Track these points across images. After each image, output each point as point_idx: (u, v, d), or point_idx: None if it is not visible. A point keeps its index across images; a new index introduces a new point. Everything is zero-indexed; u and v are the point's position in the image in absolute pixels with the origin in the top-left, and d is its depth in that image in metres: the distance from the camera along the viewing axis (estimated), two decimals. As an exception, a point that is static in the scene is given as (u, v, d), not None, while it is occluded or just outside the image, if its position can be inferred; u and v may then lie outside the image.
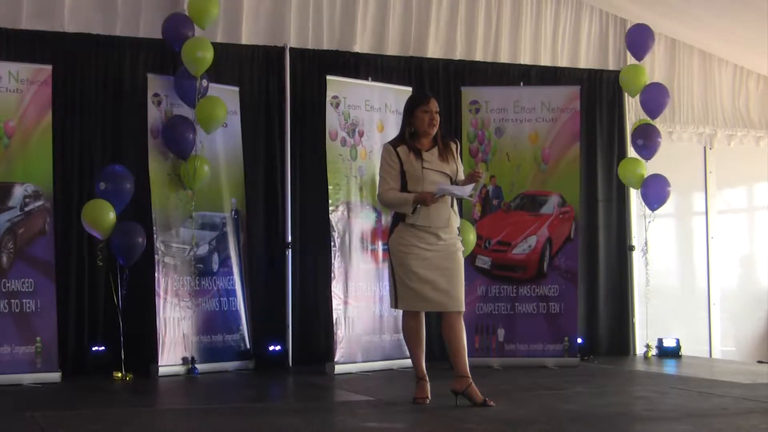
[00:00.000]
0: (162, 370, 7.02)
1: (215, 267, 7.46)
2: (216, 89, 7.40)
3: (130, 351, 7.00)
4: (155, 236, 7.12)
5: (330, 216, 7.41)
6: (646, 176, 8.25)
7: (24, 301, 6.71)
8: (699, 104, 9.69)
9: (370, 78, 7.97)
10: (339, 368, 7.25)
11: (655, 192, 8.25)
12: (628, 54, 8.56)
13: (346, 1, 8.36)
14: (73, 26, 7.53)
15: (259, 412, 5.62)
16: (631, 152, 8.59)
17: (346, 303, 7.41)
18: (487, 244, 7.86)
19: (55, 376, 6.73)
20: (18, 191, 6.80)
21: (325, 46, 8.26)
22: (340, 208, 7.48)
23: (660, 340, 8.62)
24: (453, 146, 5.77)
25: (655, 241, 8.79)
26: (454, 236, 5.70)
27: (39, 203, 6.84)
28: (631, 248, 8.83)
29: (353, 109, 7.66)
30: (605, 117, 8.98)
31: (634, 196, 8.72)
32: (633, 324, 8.79)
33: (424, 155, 5.66)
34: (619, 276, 8.86)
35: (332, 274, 7.37)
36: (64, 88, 7.32)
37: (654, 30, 8.34)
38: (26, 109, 6.86)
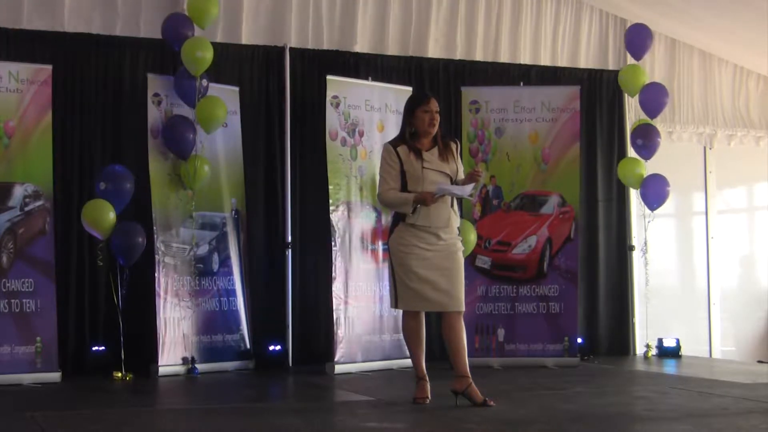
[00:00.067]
0: (162, 370, 7.02)
1: (215, 267, 7.46)
2: (216, 89, 7.40)
3: (130, 351, 7.00)
4: (155, 236, 7.12)
5: (330, 216, 7.41)
6: (645, 176, 8.25)
7: (24, 301, 6.71)
8: (699, 104, 9.69)
9: (370, 78, 7.97)
10: (339, 368, 7.25)
11: (655, 192, 8.24)
12: (628, 54, 8.56)
13: (346, 1, 8.36)
14: (73, 26, 7.54)
15: (259, 412, 5.62)
16: (631, 152, 8.58)
17: (346, 303, 7.41)
18: (487, 244, 7.86)
19: (55, 376, 6.73)
20: (18, 191, 6.80)
21: (325, 46, 8.26)
22: (341, 208, 7.48)
23: (660, 340, 8.62)
24: (453, 146, 5.77)
25: (656, 241, 8.79)
26: (455, 236, 5.70)
27: (39, 203, 6.84)
28: (631, 248, 8.83)
29: (353, 109, 7.66)
30: (605, 117, 8.98)
31: (634, 196, 8.72)
32: (633, 324, 8.79)
33: (425, 155, 5.66)
34: (619, 276, 8.86)
35: (333, 274, 7.36)
36: (64, 88, 7.32)
37: (654, 30, 8.35)
38: (26, 109, 6.86)
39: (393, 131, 7.18)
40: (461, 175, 5.73)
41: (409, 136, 5.71)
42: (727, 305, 9.67)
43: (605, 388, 6.66)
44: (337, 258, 7.40)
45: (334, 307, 7.34)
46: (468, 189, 5.62)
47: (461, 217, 5.99)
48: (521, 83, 8.40)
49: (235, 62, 7.92)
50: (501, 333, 7.83)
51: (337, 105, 7.58)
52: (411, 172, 5.63)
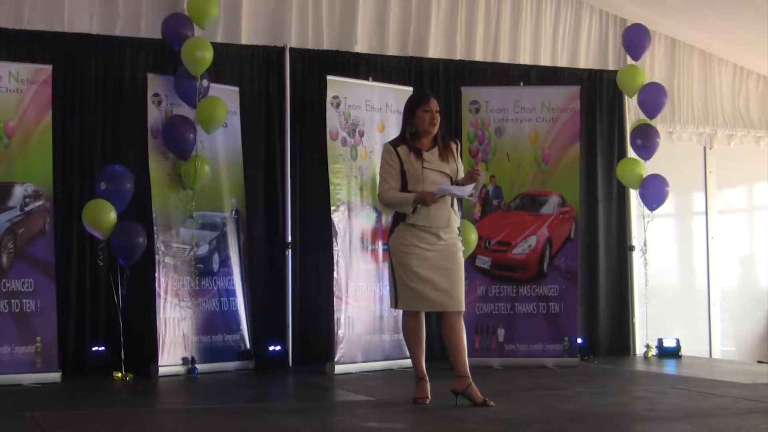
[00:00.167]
0: (162, 370, 7.02)
1: (215, 267, 7.46)
2: (216, 89, 7.40)
3: (130, 351, 7.00)
4: (155, 236, 7.12)
5: (332, 216, 7.41)
6: (644, 176, 8.25)
7: (24, 301, 6.71)
8: (699, 104, 9.69)
9: (370, 78, 7.97)
10: (339, 368, 7.25)
11: (654, 192, 8.24)
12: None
13: (346, 1, 8.36)
14: (73, 26, 7.54)
15: (259, 412, 5.62)
16: (631, 152, 8.58)
17: (346, 303, 7.40)
18: (487, 244, 7.86)
19: (55, 376, 6.73)
20: (18, 191, 6.80)
21: (325, 46, 8.26)
22: (341, 208, 7.48)
23: (660, 340, 8.62)
24: (453, 146, 5.77)
25: (656, 241, 8.79)
26: (455, 236, 5.70)
27: (39, 203, 6.84)
28: (631, 248, 8.83)
29: (353, 109, 7.66)
30: (605, 117, 8.98)
31: (634, 196, 8.72)
32: (633, 324, 8.79)
33: (425, 155, 5.66)
34: (619, 276, 8.86)
35: (334, 274, 7.36)
36: (64, 88, 7.32)
37: (654, 30, 8.35)
38: (26, 109, 6.86)
39: (393, 131, 7.18)
40: (461, 175, 5.73)
41: (409, 136, 5.71)
42: (727, 305, 9.67)
43: (605, 388, 6.66)
44: (338, 258, 7.40)
45: (334, 307, 7.34)
46: (468, 189, 5.62)
47: (461, 217, 5.99)
48: (521, 83, 8.40)
49: (235, 62, 7.92)
50: (501, 333, 7.83)
51: (338, 105, 7.58)
52: (411, 171, 5.63)
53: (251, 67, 7.99)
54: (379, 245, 7.60)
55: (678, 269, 9.70)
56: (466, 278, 5.82)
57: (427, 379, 5.75)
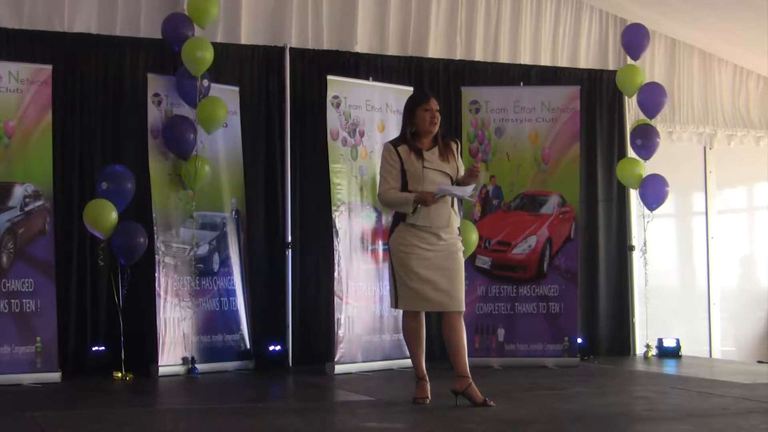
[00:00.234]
0: (162, 370, 7.02)
1: (215, 267, 7.46)
2: (216, 89, 7.40)
3: (130, 351, 7.00)
4: (155, 236, 7.12)
5: (333, 215, 7.41)
6: (644, 176, 8.25)
7: (24, 301, 6.71)
8: (699, 104, 9.69)
9: (371, 78, 7.97)
10: (339, 368, 7.25)
11: (654, 192, 8.24)
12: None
13: (346, 1, 8.36)
14: (73, 26, 7.54)
15: (259, 412, 5.62)
16: (631, 152, 8.58)
17: (346, 303, 7.40)
18: (487, 244, 7.86)
19: (55, 376, 6.73)
20: (18, 191, 6.79)
21: (325, 46, 8.26)
22: (341, 208, 7.48)
23: (660, 340, 8.62)
24: (453, 146, 5.77)
25: (656, 241, 8.79)
26: (455, 236, 5.70)
27: (39, 203, 6.84)
28: (631, 248, 8.83)
29: (354, 109, 7.66)
30: (605, 117, 8.98)
31: (634, 196, 8.71)
32: (633, 324, 8.79)
33: (425, 155, 5.66)
34: (619, 276, 8.86)
35: (335, 274, 7.36)
36: (64, 88, 7.32)
37: (654, 30, 8.34)
38: (26, 109, 6.86)
39: (393, 131, 7.18)
40: (462, 174, 5.72)
41: (410, 136, 5.71)
42: (727, 305, 9.67)
43: (605, 388, 6.66)
44: (338, 258, 7.40)
45: (334, 307, 7.34)
46: (468, 190, 5.62)
47: (461, 217, 5.99)
48: (521, 83, 8.40)
49: (235, 62, 7.92)
50: (501, 333, 7.83)
51: (338, 105, 7.58)
52: (412, 171, 5.63)
53: (251, 67, 7.99)
54: (380, 245, 7.60)
55: (678, 269, 9.70)
56: (466, 278, 5.82)
57: (427, 379, 5.75)
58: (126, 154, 7.46)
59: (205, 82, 7.24)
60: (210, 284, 7.41)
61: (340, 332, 7.33)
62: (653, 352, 8.55)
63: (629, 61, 8.56)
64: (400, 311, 6.03)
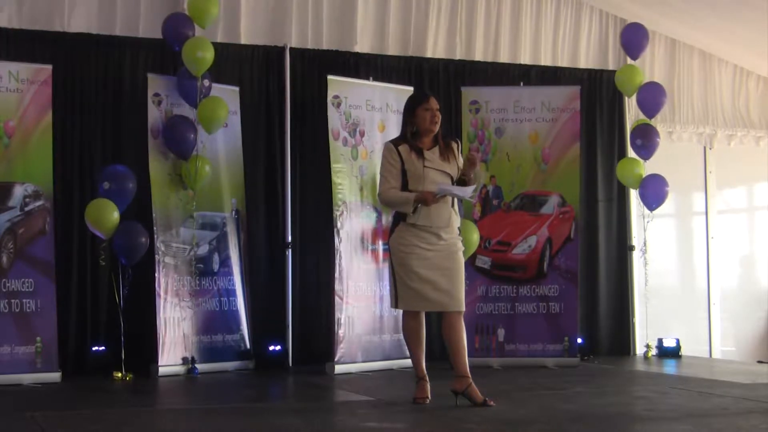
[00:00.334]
0: (162, 370, 7.02)
1: (215, 267, 7.46)
2: (216, 89, 7.40)
3: (130, 351, 7.00)
4: (156, 236, 7.12)
5: (334, 215, 7.41)
6: (644, 176, 8.25)
7: (24, 301, 6.71)
8: (699, 104, 9.69)
9: (371, 78, 7.97)
10: (339, 368, 7.25)
11: (654, 192, 8.24)
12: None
13: (346, 1, 8.36)
14: (73, 26, 7.54)
15: (259, 412, 5.62)
16: (632, 152, 8.58)
17: (346, 303, 7.40)
18: (487, 244, 7.86)
19: (55, 376, 6.73)
20: (18, 191, 6.80)
21: (325, 46, 8.26)
22: (341, 208, 7.48)
23: (660, 340, 8.62)
24: (454, 146, 5.77)
25: (656, 241, 8.79)
26: (455, 236, 5.70)
27: (39, 203, 6.84)
28: (631, 248, 8.83)
29: (354, 109, 7.67)
30: (605, 117, 8.98)
31: (634, 196, 8.71)
32: (633, 324, 8.79)
33: (426, 154, 5.66)
34: (619, 276, 8.86)
35: (336, 274, 7.36)
36: (64, 88, 7.32)
37: (654, 30, 8.35)
38: (26, 109, 6.86)
39: (394, 131, 7.18)
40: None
41: (410, 136, 5.71)
42: (727, 305, 9.67)
43: (605, 388, 6.66)
44: (338, 258, 7.40)
45: (335, 307, 7.34)
46: (469, 190, 5.62)
47: (461, 217, 5.99)
48: (521, 83, 8.40)
49: (235, 62, 7.92)
50: (501, 333, 7.83)
51: (339, 105, 7.58)
52: (412, 171, 5.63)
53: (251, 67, 7.99)
54: (380, 245, 7.60)
55: (678, 269, 9.69)
56: (466, 278, 5.82)
57: (427, 379, 5.75)
58: (126, 154, 7.46)
59: (206, 82, 7.24)
60: (210, 284, 7.41)
61: (340, 332, 7.33)
62: (653, 352, 8.55)
63: (629, 61, 8.57)
64: (400, 311, 6.03)
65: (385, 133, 7.67)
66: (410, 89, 7.78)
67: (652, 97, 8.25)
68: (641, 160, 8.29)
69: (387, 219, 7.39)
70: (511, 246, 7.88)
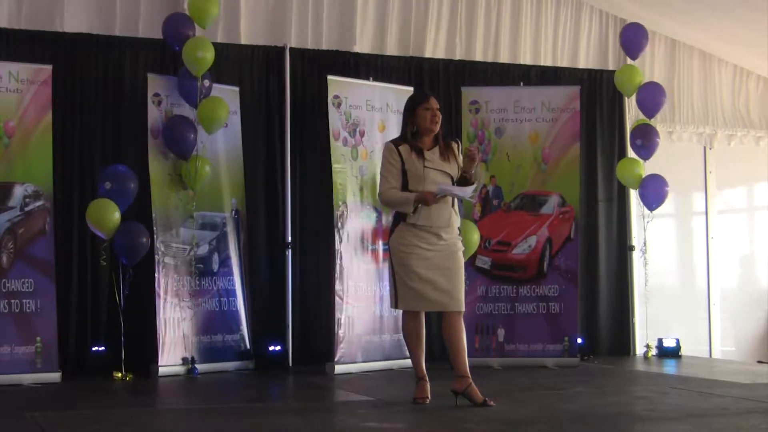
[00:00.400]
0: (162, 370, 7.02)
1: (215, 267, 7.46)
2: (216, 89, 7.39)
3: (130, 351, 7.00)
4: (155, 236, 7.12)
5: (334, 215, 7.41)
6: (644, 176, 8.25)
7: (24, 301, 6.71)
8: (699, 104, 9.69)
9: (371, 78, 7.97)
10: (339, 368, 7.25)
11: (654, 192, 8.25)
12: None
13: (346, 1, 8.36)
14: (73, 26, 7.53)
15: (259, 412, 5.62)
16: (631, 152, 8.58)
17: (346, 303, 7.40)
18: (487, 244, 7.86)
19: (55, 376, 6.73)
20: (18, 191, 6.80)
21: (325, 46, 8.26)
22: (341, 208, 7.48)
23: (660, 340, 8.62)
24: (455, 146, 5.77)
25: (656, 241, 8.79)
26: (455, 236, 5.70)
27: (39, 203, 6.84)
28: (631, 248, 8.83)
29: (354, 109, 7.67)
30: (605, 117, 8.98)
31: (634, 196, 8.72)
32: (633, 324, 8.79)
33: (426, 154, 5.66)
34: (619, 276, 8.86)
35: (336, 274, 7.36)
36: (64, 88, 7.32)
37: (654, 30, 8.35)
38: (26, 109, 6.86)
39: (394, 131, 7.18)
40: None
41: (410, 136, 5.71)
42: (727, 305, 9.67)
43: (605, 388, 6.66)
44: (338, 258, 7.40)
45: (335, 307, 7.34)
46: (469, 190, 5.62)
47: (461, 217, 5.99)
48: (521, 83, 8.40)
49: (235, 62, 7.92)
50: (501, 333, 7.83)
51: (339, 105, 7.58)
52: (412, 171, 5.63)
53: (251, 67, 7.99)
54: (380, 245, 7.60)
55: (678, 269, 9.70)
56: (466, 278, 5.82)
57: (427, 379, 5.75)
58: (126, 154, 7.46)
59: (206, 82, 7.24)
60: (210, 284, 7.41)
61: (340, 332, 7.33)
62: (653, 352, 8.55)
63: (629, 61, 8.57)
64: (400, 311, 6.02)
65: (385, 133, 7.67)
66: (410, 89, 7.78)
67: (651, 97, 8.25)
68: (641, 160, 8.29)
69: (387, 219, 7.40)
70: (511, 246, 7.88)
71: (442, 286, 5.60)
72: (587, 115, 8.72)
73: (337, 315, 7.33)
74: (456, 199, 5.72)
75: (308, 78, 8.07)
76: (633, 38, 8.27)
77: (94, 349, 7.29)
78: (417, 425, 5.21)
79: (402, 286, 5.66)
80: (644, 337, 8.67)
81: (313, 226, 7.94)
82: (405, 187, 5.64)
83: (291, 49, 8.01)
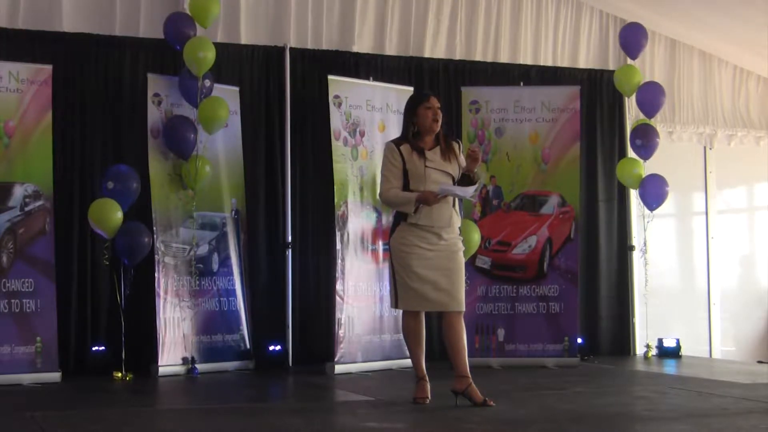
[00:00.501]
0: (162, 370, 7.02)
1: (215, 267, 7.46)
2: (216, 89, 7.39)
3: (131, 351, 7.00)
4: (155, 236, 7.12)
5: (334, 215, 7.41)
6: (644, 176, 8.25)
7: (24, 301, 6.71)
8: (699, 104, 9.69)
9: (371, 78, 7.97)
10: (339, 368, 7.25)
11: (654, 192, 8.25)
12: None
13: (346, 1, 8.36)
14: (73, 26, 7.53)
15: (259, 412, 5.62)
16: (631, 152, 8.58)
17: (346, 303, 7.40)
18: (487, 244, 7.86)
19: (55, 376, 6.73)
20: (18, 191, 6.80)
21: (325, 46, 8.26)
22: (342, 208, 7.48)
23: (660, 340, 8.62)
24: (456, 146, 5.77)
25: (656, 241, 8.79)
26: (456, 236, 5.70)
27: (39, 203, 6.84)
28: (631, 248, 8.83)
29: (354, 109, 7.67)
30: (605, 117, 8.98)
31: (635, 197, 8.72)
32: (633, 324, 8.79)
33: (427, 154, 5.66)
34: (619, 276, 8.86)
35: (336, 274, 7.36)
36: (64, 88, 7.31)
37: (654, 30, 8.34)
38: (26, 109, 6.86)
39: (394, 131, 7.18)
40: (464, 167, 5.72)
41: (411, 136, 5.71)
42: (727, 305, 9.67)
43: (605, 388, 6.66)
44: (338, 258, 7.40)
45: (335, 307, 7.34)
46: (470, 190, 5.62)
47: (462, 217, 5.99)
48: (521, 83, 8.40)
49: (235, 62, 7.92)
50: (501, 333, 7.83)
51: (339, 105, 7.58)
52: (413, 170, 5.63)
53: (251, 67, 7.98)
54: (380, 245, 7.60)
55: (678, 269, 9.69)
56: (466, 278, 5.82)
57: (427, 379, 5.75)
58: (126, 154, 7.45)
59: (207, 82, 7.23)
60: (210, 284, 7.41)
61: (340, 332, 7.33)
62: (653, 352, 8.55)
63: (629, 61, 8.57)
64: (400, 311, 6.02)
65: (386, 133, 7.67)
66: (410, 89, 7.78)
67: (651, 97, 8.25)
68: (641, 160, 8.29)
69: (387, 219, 7.40)
70: (511, 246, 7.88)
71: (443, 286, 5.60)
72: (587, 115, 8.72)
73: (337, 315, 7.33)
74: (457, 199, 5.72)
75: (308, 78, 8.07)
76: (633, 38, 8.27)
77: (94, 349, 7.28)
78: (417, 425, 5.21)
79: (402, 286, 5.65)
80: (644, 337, 8.67)
81: (313, 226, 7.95)
82: (406, 187, 5.63)
83: (291, 49, 8.01)
